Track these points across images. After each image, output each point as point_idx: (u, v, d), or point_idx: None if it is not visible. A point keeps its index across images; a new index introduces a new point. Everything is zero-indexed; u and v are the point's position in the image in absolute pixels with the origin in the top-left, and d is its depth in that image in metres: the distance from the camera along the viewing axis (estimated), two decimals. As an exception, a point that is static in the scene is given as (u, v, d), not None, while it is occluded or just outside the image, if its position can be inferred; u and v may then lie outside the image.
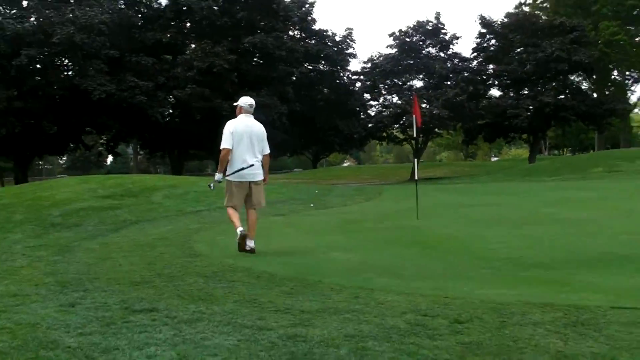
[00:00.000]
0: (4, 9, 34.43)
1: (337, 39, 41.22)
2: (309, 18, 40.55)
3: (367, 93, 42.85)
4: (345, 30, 44.48)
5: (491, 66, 43.39)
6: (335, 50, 40.46)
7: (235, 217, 7.27)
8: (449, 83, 41.35)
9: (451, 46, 42.15)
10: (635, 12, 49.07)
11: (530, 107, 40.64)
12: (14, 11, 33.77)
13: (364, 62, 42.57)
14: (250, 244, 7.04)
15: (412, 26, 41.40)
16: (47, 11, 31.34)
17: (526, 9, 52.28)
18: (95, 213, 12.38)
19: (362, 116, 42.77)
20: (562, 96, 42.20)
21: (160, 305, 4.33)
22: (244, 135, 7.19)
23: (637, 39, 50.35)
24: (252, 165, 7.17)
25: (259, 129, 7.38)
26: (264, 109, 27.66)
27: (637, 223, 9.31)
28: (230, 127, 7.23)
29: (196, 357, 3.10)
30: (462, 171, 45.74)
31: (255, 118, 7.51)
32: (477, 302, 4.33)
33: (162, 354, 3.14)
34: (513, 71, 41.38)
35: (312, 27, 40.99)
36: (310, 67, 41.37)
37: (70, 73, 34.52)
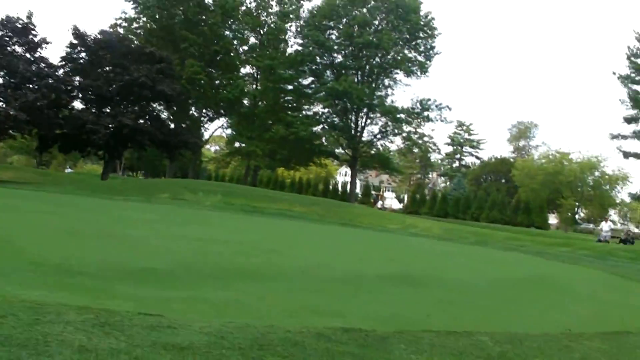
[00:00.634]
0: None
1: None
2: None
3: None
4: None
5: (77, 78, 54.81)
6: None
7: None
8: (30, 86, 49.36)
9: (39, 49, 50.85)
10: (218, 57, 68.73)
11: (110, 126, 52.37)
12: None
13: None
14: None
15: (0, 20, 49.90)
16: None
17: (121, 30, 66.55)
18: None
19: None
20: (142, 121, 56.42)
21: None
22: None
23: (216, 82, 70.30)
24: None
25: None
26: None
27: (179, 245, 16.40)
28: None
29: None
30: (31, 177, 54.91)
31: None
32: (16, 301, 6.37)
33: None
34: (98, 88, 52.85)
35: None
36: None
37: None
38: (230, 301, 10.28)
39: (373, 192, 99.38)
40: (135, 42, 61.61)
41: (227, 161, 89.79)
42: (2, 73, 49.98)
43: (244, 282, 12.63)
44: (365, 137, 71.89)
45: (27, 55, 50.89)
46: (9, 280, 9.01)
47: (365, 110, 68.31)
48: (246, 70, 75.06)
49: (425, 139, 73.83)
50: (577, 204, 77.77)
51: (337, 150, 76.47)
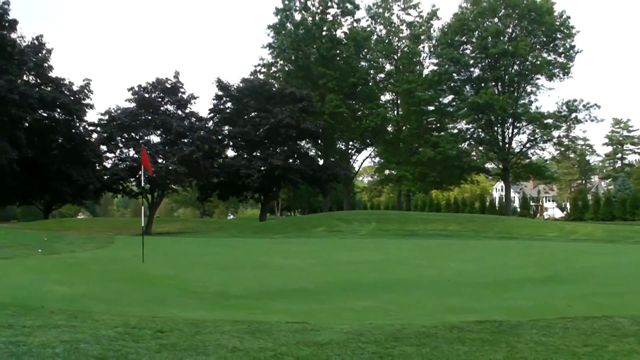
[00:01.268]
0: None
1: (75, 88, 51.16)
2: (46, 65, 50.70)
3: (103, 145, 52.89)
4: (83, 81, 53.80)
5: (226, 127, 58.53)
6: (72, 100, 50.57)
7: None
8: (185, 140, 53.22)
9: (189, 105, 54.74)
10: (357, 89, 70.57)
11: (262, 168, 55.55)
12: None
13: (102, 114, 52.91)
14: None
15: (151, 82, 53.37)
16: None
17: (261, 76, 70.23)
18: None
19: (97, 167, 52.60)
20: (291, 160, 59.10)
21: None
22: None
23: (358, 114, 72.23)
24: None
25: None
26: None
27: (330, 269, 18.22)
28: None
29: None
30: (196, 227, 58.75)
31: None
32: (180, 320, 7.78)
33: None
34: (247, 133, 56.59)
35: (49, 74, 50.88)
36: (45, 114, 50.50)
37: None
38: (373, 308, 11.15)
39: (532, 203, 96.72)
40: (276, 85, 64.52)
41: (379, 189, 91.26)
42: (158, 132, 54.14)
43: (388, 292, 13.48)
44: (515, 147, 70.62)
45: (179, 112, 54.93)
46: (174, 305, 10.54)
47: (510, 120, 67.26)
48: (386, 97, 76.61)
49: (580, 142, 71.40)
50: None
51: (487, 165, 75.45)
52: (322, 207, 75.11)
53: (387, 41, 72.38)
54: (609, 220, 68.18)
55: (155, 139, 54.85)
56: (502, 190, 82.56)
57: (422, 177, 71.11)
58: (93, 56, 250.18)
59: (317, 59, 70.31)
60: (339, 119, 67.25)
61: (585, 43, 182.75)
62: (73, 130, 51.45)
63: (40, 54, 50.48)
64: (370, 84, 72.41)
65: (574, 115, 65.40)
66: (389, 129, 74.52)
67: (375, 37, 72.77)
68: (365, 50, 72.50)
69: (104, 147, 53.91)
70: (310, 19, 70.17)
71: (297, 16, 70.72)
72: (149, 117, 53.32)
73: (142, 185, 29.87)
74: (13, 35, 47.36)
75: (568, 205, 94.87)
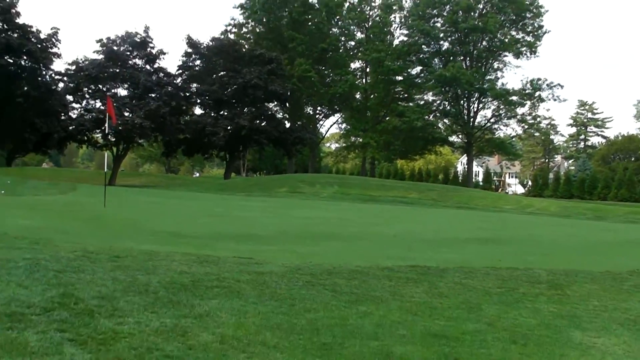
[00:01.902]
0: None
1: (42, 36, 51.10)
2: (13, 11, 50.11)
3: (69, 95, 52.89)
4: (51, 29, 52.91)
5: (194, 85, 58.94)
6: (39, 48, 50.31)
7: None
8: (152, 95, 53.61)
9: (157, 60, 54.89)
10: (326, 55, 70.96)
11: (228, 128, 56.56)
12: None
13: (69, 64, 52.92)
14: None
15: (120, 35, 53.48)
16: None
17: (231, 36, 70.26)
18: None
19: (62, 117, 52.76)
20: (258, 121, 59.76)
21: None
22: None
23: (327, 80, 72.70)
24: None
25: None
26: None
27: (284, 221, 19.84)
28: None
29: None
30: (160, 182, 59.21)
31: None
32: (135, 250, 9.37)
33: None
34: (214, 92, 57.10)
35: (16, 21, 50.39)
36: (11, 61, 50.55)
37: None
38: (316, 252, 12.04)
39: (495, 178, 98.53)
40: (246, 46, 64.71)
41: (345, 155, 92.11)
42: (126, 85, 54.27)
43: (335, 241, 14.38)
44: (479, 122, 71.91)
45: (147, 66, 54.96)
46: (130, 240, 11.40)
47: (476, 95, 68.40)
48: (355, 65, 77.03)
49: (545, 122, 72.67)
50: None
51: (451, 138, 76.60)
52: (287, 169, 75.72)
53: (359, 9, 72.78)
54: (567, 198, 70.02)
55: (122, 92, 55.17)
56: (466, 163, 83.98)
57: (387, 145, 72.07)
58: (62, 6, 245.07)
59: (288, 23, 70.51)
60: (308, 84, 67.68)
61: (554, 24, 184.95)
62: (39, 79, 51.12)
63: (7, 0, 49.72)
64: (340, 50, 72.81)
65: (537, 93, 66.79)
66: (357, 96, 75.17)
67: (347, 4, 73.08)
68: (337, 17, 72.77)
69: (70, 98, 53.87)
70: (283, -19, 69.97)
71: (271, -22, 70.36)
72: (117, 70, 53.37)
73: (106, 133, 29.98)
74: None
75: (530, 182, 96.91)
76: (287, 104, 68.21)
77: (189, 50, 58.70)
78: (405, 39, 72.26)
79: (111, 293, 6.70)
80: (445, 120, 73.79)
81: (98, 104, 53.24)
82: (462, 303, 8.01)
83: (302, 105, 74.76)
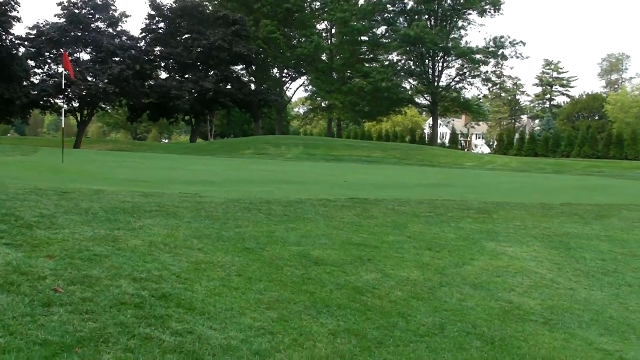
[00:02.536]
0: None
1: None
2: (-31, -28, 49.58)
3: (31, 60, 51.87)
4: None
5: (158, 48, 58.60)
6: None
7: None
8: (116, 59, 53.25)
9: (120, 23, 54.35)
10: (292, 16, 70.69)
11: (193, 91, 56.47)
12: None
13: (30, 28, 51.76)
14: None
15: None
16: None
17: (195, -2, 69.75)
18: None
19: (24, 83, 52.67)
20: (223, 83, 59.68)
21: None
22: None
23: (293, 42, 72.54)
24: None
25: None
26: None
27: (240, 173, 22.83)
28: None
29: None
30: (127, 147, 59.59)
31: None
32: (84, 189, 9.74)
33: None
34: (179, 55, 56.59)
35: (-29, -18, 49.85)
36: None
37: None
38: (263, 191, 12.46)
39: (461, 139, 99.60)
40: (210, 7, 64.17)
41: (311, 118, 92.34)
42: (88, 49, 53.70)
43: (286, 185, 14.84)
44: (444, 81, 72.44)
45: (110, 30, 54.35)
46: (83, 184, 11.70)
47: (440, 54, 68.74)
48: (321, 26, 76.85)
49: (510, 82, 72.92)
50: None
51: (417, 99, 76.89)
52: (254, 133, 75.71)
53: (325, -32, 72.34)
54: (532, 157, 71.22)
55: (85, 56, 54.40)
56: (432, 123, 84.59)
57: (353, 106, 72.25)
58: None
59: (253, -17, 69.99)
60: (273, 45, 67.52)
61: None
62: (-1, 43, 50.34)
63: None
64: (305, 11, 72.43)
65: (501, 51, 67.24)
66: (323, 57, 75.11)
67: (314, -37, 72.73)
68: (303, -24, 72.41)
69: (32, 63, 53.08)
70: (248, -60, 69.27)
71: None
72: (79, 34, 52.51)
73: (64, 89, 29.84)
74: None
75: (496, 143, 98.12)
76: (253, 67, 67.95)
77: (152, 12, 58.19)
78: (370, -3, 72.05)
79: (52, 213, 7.10)
80: (410, 80, 74.03)
81: (60, 69, 52.63)
82: (389, 222, 8.56)
83: (268, 67, 74.61)
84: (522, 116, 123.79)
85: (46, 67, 53.27)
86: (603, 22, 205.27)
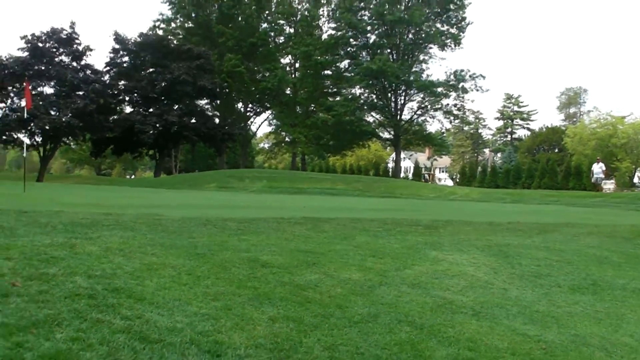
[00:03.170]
0: None
1: None
2: None
3: None
4: None
5: (122, 82, 58.73)
6: None
7: None
8: (80, 93, 53.49)
9: (84, 57, 54.45)
10: (256, 50, 71.55)
11: (157, 125, 56.60)
12: None
13: None
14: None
15: (45, 32, 52.47)
16: None
17: (160, 32, 70.12)
18: None
19: None
20: (187, 117, 59.91)
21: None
22: None
23: (258, 76, 73.26)
24: None
25: None
26: None
27: (200, 201, 24.23)
28: None
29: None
30: (91, 182, 59.46)
31: None
32: (45, 209, 16.21)
33: None
34: (143, 89, 56.76)
35: None
36: None
37: None
38: (219, 212, 12.77)
39: (424, 172, 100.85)
40: (174, 41, 64.67)
41: (275, 152, 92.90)
42: (52, 83, 53.57)
43: (245, 210, 15.16)
44: (406, 114, 73.49)
45: (74, 63, 54.38)
46: (44, 207, 11.92)
47: (402, 87, 69.85)
48: (285, 60, 77.77)
49: (472, 115, 74.11)
50: (633, 166, 77.45)
51: (380, 132, 77.79)
52: (218, 167, 75.86)
53: (288, 3, 73.39)
54: (494, 189, 72.42)
55: (48, 90, 54.26)
56: (395, 156, 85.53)
57: (316, 140, 72.94)
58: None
59: (217, 17, 70.65)
60: (237, 79, 68.08)
61: (478, 16, 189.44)
62: (-40, 77, 50.17)
63: None
64: (270, 45, 73.26)
65: (461, 84, 68.59)
66: (287, 91, 75.87)
67: (276, -2, 73.85)
68: (267, 11, 73.31)
69: (-7, 97, 52.89)
70: (212, -25, 70.30)
71: (199, -28, 70.64)
72: (42, 68, 52.49)
73: (24, 117, 29.91)
74: None
75: (459, 176, 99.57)
76: (218, 101, 68.43)
77: (117, 46, 58.36)
78: (333, 32, 72.95)
79: (12, 226, 7.40)
80: (373, 113, 75.00)
81: (23, 103, 52.49)
82: (338, 235, 9.00)
83: (232, 101, 75.10)
84: (484, 150, 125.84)
85: (9, 101, 52.97)
86: (561, 57, 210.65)
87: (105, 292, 4.98)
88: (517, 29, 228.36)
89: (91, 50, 54.71)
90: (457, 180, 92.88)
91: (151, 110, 58.39)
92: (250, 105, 78.28)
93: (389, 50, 71.15)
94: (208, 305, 5.03)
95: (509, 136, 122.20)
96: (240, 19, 70.70)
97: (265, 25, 74.12)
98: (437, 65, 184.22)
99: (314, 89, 73.66)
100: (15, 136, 52.36)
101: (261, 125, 78.09)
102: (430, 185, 58.15)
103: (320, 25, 75.67)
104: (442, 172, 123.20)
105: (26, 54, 52.10)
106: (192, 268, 6.02)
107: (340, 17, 69.50)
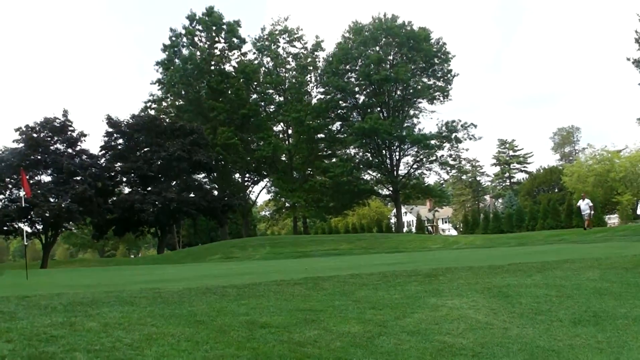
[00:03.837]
0: None
1: None
2: None
3: None
4: None
5: (119, 163, 59.35)
6: None
7: None
8: (77, 178, 53.32)
9: (79, 143, 55.05)
10: (248, 121, 72.42)
11: (157, 202, 56.73)
12: None
13: None
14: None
15: (39, 122, 53.23)
16: None
17: (152, 112, 71.05)
18: None
19: None
20: (185, 192, 60.24)
21: None
22: None
23: (252, 145, 74.04)
24: None
25: None
26: None
27: (202, 272, 24.22)
28: None
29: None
30: (94, 265, 59.39)
31: None
32: (46, 292, 17.73)
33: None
34: (139, 168, 57.14)
35: None
36: None
37: None
38: (220, 281, 12.78)
39: (427, 224, 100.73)
40: (167, 120, 65.50)
41: (277, 218, 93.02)
42: (49, 171, 54.07)
43: (245, 276, 15.18)
44: (403, 169, 73.96)
45: (69, 150, 54.96)
46: (46, 291, 11.96)
47: (396, 143, 70.52)
48: (278, 128, 78.68)
49: (468, 164, 74.35)
50: (635, 199, 77.39)
51: (378, 189, 78.02)
52: (221, 238, 75.90)
53: (275, 73, 74.61)
54: (498, 234, 72.22)
55: (46, 178, 54.68)
56: (396, 212, 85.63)
57: (316, 203, 73.21)
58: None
59: (207, 93, 71.86)
60: (232, 151, 68.79)
61: (468, 66, 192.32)
62: (-41, 172, 50.64)
63: None
64: (261, 115, 74.19)
65: (454, 135, 69.29)
66: (282, 158, 76.48)
67: (263, 69, 75.05)
68: (255, 82, 74.57)
69: (-8, 189, 53.28)
70: (198, 53, 71.58)
71: (185, 52, 72.02)
72: (39, 157, 53.06)
73: (23, 206, 30.07)
74: None
75: (462, 225, 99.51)
76: (214, 173, 69.03)
77: (110, 129, 59.08)
78: (322, 96, 74.06)
79: (12, 311, 7.46)
80: (369, 171, 75.48)
81: (22, 193, 52.77)
82: (337, 291, 9.04)
83: (229, 173, 75.76)
84: (485, 196, 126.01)
85: (7, 192, 53.30)
86: (552, 98, 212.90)
87: (105, 365, 5.03)
88: (502, 75, 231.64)
89: (85, 135, 55.42)
90: (461, 229, 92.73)
91: (149, 188, 58.70)
92: (247, 175, 78.92)
93: (379, 109, 72.14)
94: (207, 368, 5.08)
95: (508, 181, 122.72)
96: (229, 92, 71.75)
97: (255, 96, 75.41)
98: (428, 118, 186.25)
99: (308, 153, 74.27)
100: (16, 226, 52.49)
101: (260, 193, 79.78)
102: (434, 237, 58.09)
103: (309, 90, 76.70)
104: (445, 222, 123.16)
105: (21, 145, 52.60)
106: (191, 335, 6.07)
107: (327, 82, 70.61)
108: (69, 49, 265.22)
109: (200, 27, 72.50)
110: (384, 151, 72.32)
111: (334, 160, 74.75)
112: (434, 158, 71.77)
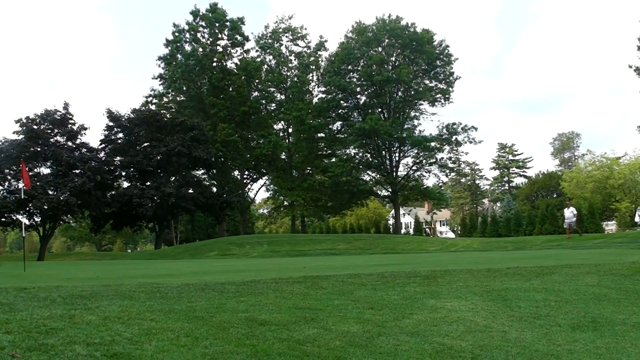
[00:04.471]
0: None
1: None
2: None
3: None
4: None
5: (118, 158, 59.21)
6: None
7: None
8: (77, 171, 53.14)
9: (79, 136, 54.88)
10: (248, 118, 72.43)
11: (155, 197, 56.80)
12: None
13: None
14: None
15: (40, 114, 53.31)
16: None
17: (152, 107, 70.97)
18: None
19: None
20: (184, 188, 60.19)
21: None
22: None
23: (252, 143, 74.03)
24: None
25: None
26: None
27: (200, 268, 24.27)
28: None
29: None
30: (91, 258, 59.34)
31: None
32: (44, 285, 17.65)
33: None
34: (139, 163, 57.03)
35: None
36: None
37: None
38: (218, 278, 12.80)
39: (425, 226, 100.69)
40: (167, 115, 65.37)
41: (275, 216, 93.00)
42: (48, 164, 53.95)
43: (243, 273, 15.18)
44: (402, 171, 73.97)
45: (69, 143, 54.88)
46: (44, 283, 11.98)
47: (396, 144, 70.49)
48: (278, 126, 78.60)
49: (467, 167, 74.64)
50: (633, 206, 77.38)
51: (377, 189, 78.05)
52: (218, 235, 75.85)
53: (277, 71, 74.62)
54: (495, 237, 72.21)
55: (45, 170, 54.59)
56: (394, 213, 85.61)
57: (314, 202, 73.27)
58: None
59: (208, 89, 71.79)
60: (232, 147, 68.73)
61: (469, 71, 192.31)
62: (-42, 162, 50.58)
63: None
64: (262, 113, 74.19)
65: (454, 137, 69.29)
66: (282, 156, 76.49)
67: (265, 67, 75.10)
68: (257, 80, 74.47)
69: (-10, 180, 53.25)
70: (200, 50, 71.58)
71: (188, 47, 72.01)
72: (39, 149, 52.91)
73: (22, 198, 30.09)
74: None
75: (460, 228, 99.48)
76: (213, 170, 68.98)
77: (110, 123, 59.00)
78: (324, 95, 74.18)
79: (11, 302, 7.46)
80: (369, 172, 75.45)
81: (21, 185, 52.67)
82: (336, 290, 9.04)
83: (228, 169, 75.71)
84: (483, 200, 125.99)
85: (6, 183, 53.24)
86: (552, 104, 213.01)
87: (104, 358, 5.03)
88: (504, 80, 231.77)
89: (85, 129, 55.35)
90: (459, 232, 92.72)
91: (148, 183, 58.68)
92: (246, 172, 78.89)
93: (379, 109, 72.09)
94: (207, 364, 5.08)
95: (507, 185, 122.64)
96: (231, 89, 71.70)
97: (256, 93, 75.39)
98: (429, 120, 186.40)
99: (308, 152, 74.29)
100: (14, 217, 52.40)
101: (259, 191, 79.47)
102: (431, 239, 58.01)
103: (310, 89, 76.71)
104: (443, 225, 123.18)
105: (22, 136, 52.51)
106: (190, 330, 6.07)
107: (329, 81, 70.55)
108: (72, 42, 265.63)
109: (203, 24, 72.42)
110: (383, 152, 72.30)
111: (333, 159, 74.78)
112: (434, 160, 71.82)
